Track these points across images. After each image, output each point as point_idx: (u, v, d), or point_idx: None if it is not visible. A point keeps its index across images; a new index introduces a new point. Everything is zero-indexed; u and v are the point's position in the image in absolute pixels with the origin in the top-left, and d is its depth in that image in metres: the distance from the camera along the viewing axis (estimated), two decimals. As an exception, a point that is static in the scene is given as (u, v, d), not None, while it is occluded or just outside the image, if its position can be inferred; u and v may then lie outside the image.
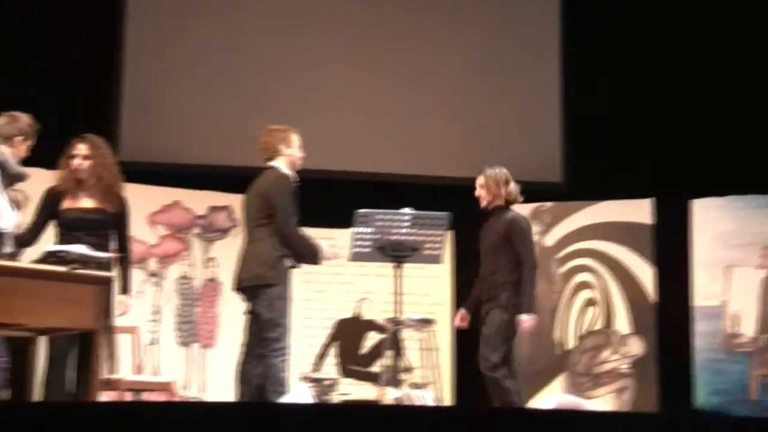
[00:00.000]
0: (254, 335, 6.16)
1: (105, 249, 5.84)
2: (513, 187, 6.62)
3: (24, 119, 5.96)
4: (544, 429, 3.86)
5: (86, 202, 6.09)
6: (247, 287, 6.19)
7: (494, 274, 6.44)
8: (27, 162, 5.97)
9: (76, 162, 6.08)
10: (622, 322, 8.42)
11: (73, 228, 6.03)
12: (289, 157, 6.34)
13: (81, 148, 6.09)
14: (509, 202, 6.58)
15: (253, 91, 8.88)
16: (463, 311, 6.64)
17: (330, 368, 8.63)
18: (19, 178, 5.91)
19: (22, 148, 5.93)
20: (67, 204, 6.09)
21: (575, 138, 9.08)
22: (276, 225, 6.14)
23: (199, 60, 8.89)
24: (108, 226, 6.09)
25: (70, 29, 8.57)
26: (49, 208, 6.12)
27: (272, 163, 6.34)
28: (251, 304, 6.18)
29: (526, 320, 6.40)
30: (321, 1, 9.17)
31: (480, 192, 6.62)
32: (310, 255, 6.23)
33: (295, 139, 6.38)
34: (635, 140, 8.85)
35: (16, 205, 6.00)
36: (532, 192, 8.74)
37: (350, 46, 9.11)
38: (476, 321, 6.57)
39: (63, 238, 6.02)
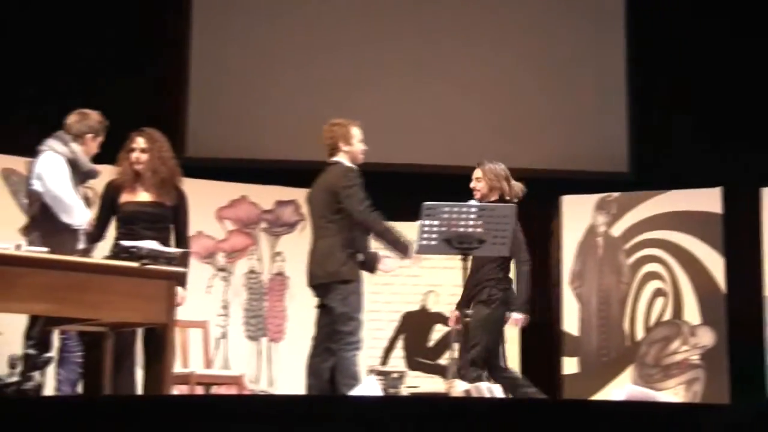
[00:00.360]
0: (324, 329, 6.20)
1: (164, 242, 5.84)
2: (515, 183, 6.61)
3: (93, 116, 6.03)
4: (614, 420, 3.83)
5: (143, 196, 6.10)
6: (320, 284, 6.22)
7: (482, 269, 6.43)
8: (97, 159, 6.06)
9: (134, 155, 6.10)
10: (692, 313, 8.33)
11: (130, 221, 6.06)
12: (349, 153, 6.37)
13: (139, 142, 6.12)
14: (512, 199, 6.53)
15: (317, 85, 8.91)
16: (456, 313, 6.59)
17: (397, 361, 8.65)
18: (91, 175, 6.00)
19: (93, 145, 6.00)
20: (124, 197, 6.11)
21: (641, 128, 9.00)
22: (350, 214, 6.17)
23: (263, 56, 8.95)
24: (165, 220, 6.09)
25: (137, 27, 8.68)
26: (109, 202, 6.15)
27: (335, 159, 6.37)
28: (324, 299, 6.21)
29: (519, 318, 6.49)
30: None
31: (476, 184, 6.62)
32: (397, 242, 6.22)
33: (355, 133, 6.39)
34: (703, 129, 8.74)
35: (88, 201, 6.09)
36: (598, 182, 8.73)
37: (414, 40, 9.09)
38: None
39: (120, 232, 6.07)
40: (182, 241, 6.11)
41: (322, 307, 6.22)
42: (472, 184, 6.64)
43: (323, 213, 6.26)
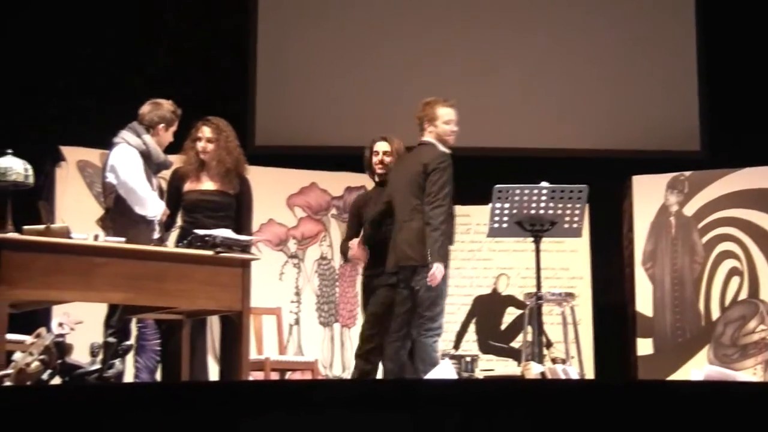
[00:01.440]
0: (405, 313, 6.05)
1: None
2: None
3: (166, 105, 6.07)
4: (693, 401, 3.80)
5: (207, 185, 6.16)
6: (407, 267, 6.01)
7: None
8: (168, 150, 6.12)
9: (200, 145, 6.16)
10: (769, 292, 8.21)
11: (192, 210, 6.12)
12: (434, 133, 6.15)
13: (205, 131, 6.17)
14: None
15: (385, 70, 8.90)
16: None
17: (470, 345, 8.64)
18: (164, 166, 6.06)
19: (165, 135, 6.04)
20: (188, 186, 6.18)
21: (713, 105, 8.88)
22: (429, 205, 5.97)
23: (331, 43, 8.96)
24: (228, 208, 6.12)
25: (204, 17, 8.75)
26: (174, 191, 6.22)
27: (424, 139, 6.19)
28: (410, 282, 6.00)
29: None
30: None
31: (384, 158, 6.41)
32: (438, 246, 5.97)
33: (441, 113, 6.15)
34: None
35: (162, 192, 6.16)
36: (670, 161, 8.63)
37: (482, 25, 9.03)
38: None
39: (184, 220, 6.14)
40: (245, 229, 6.10)
41: (408, 290, 6.03)
42: (379, 158, 6.43)
43: (414, 193, 6.03)
